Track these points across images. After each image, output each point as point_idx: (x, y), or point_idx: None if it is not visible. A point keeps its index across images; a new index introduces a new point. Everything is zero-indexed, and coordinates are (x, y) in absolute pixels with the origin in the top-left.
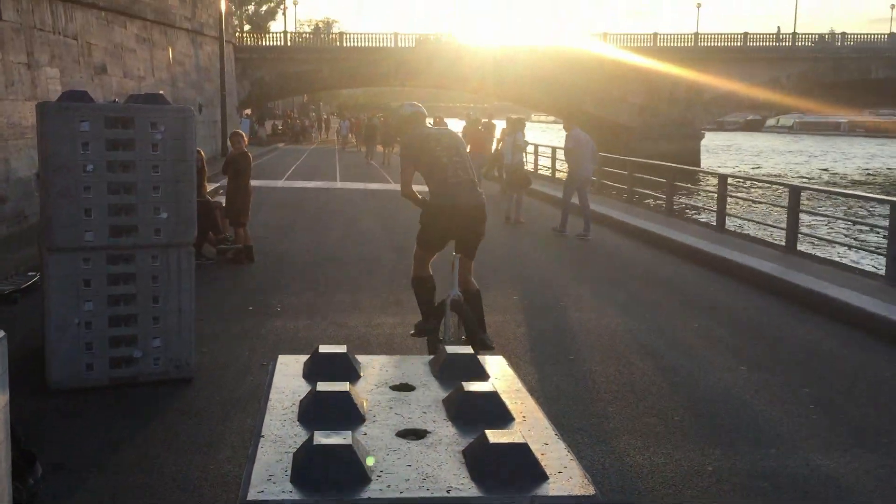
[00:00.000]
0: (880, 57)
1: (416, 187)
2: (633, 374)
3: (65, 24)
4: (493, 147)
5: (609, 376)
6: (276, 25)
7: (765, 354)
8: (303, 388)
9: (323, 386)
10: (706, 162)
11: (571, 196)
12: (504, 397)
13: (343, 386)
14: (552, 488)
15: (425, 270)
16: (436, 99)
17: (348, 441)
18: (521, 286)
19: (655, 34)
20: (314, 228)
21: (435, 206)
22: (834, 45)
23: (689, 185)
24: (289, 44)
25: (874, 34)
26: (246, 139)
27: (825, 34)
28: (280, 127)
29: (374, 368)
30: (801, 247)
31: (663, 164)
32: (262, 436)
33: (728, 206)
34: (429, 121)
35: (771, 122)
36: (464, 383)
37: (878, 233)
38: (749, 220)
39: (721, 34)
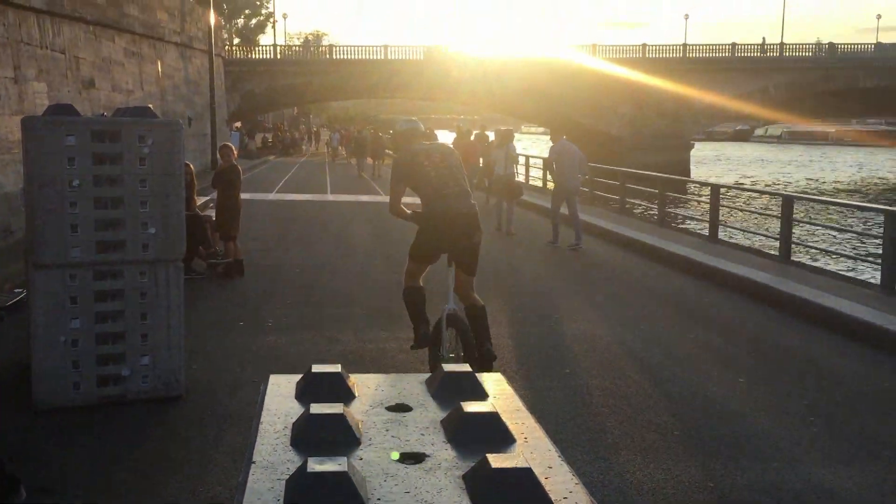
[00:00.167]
0: (867, 66)
1: (408, 199)
2: (630, 388)
3: (52, 39)
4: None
5: (606, 390)
6: (265, 39)
7: (763, 366)
8: (295, 409)
9: (316, 408)
10: (696, 172)
11: (560, 207)
12: (504, 417)
13: (337, 408)
14: None
15: (416, 282)
16: (426, 111)
17: (343, 468)
18: (515, 298)
19: (644, 45)
20: (305, 241)
21: (428, 215)
22: (821, 55)
23: (681, 195)
24: (278, 56)
25: (861, 44)
26: (236, 152)
27: (811, 44)
28: (270, 140)
29: (370, 388)
30: (794, 256)
31: (655, 174)
32: (254, 462)
33: (720, 216)
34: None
35: (759, 132)
36: (462, 403)
37: (868, 242)
38: (742, 230)
39: (709, 45)
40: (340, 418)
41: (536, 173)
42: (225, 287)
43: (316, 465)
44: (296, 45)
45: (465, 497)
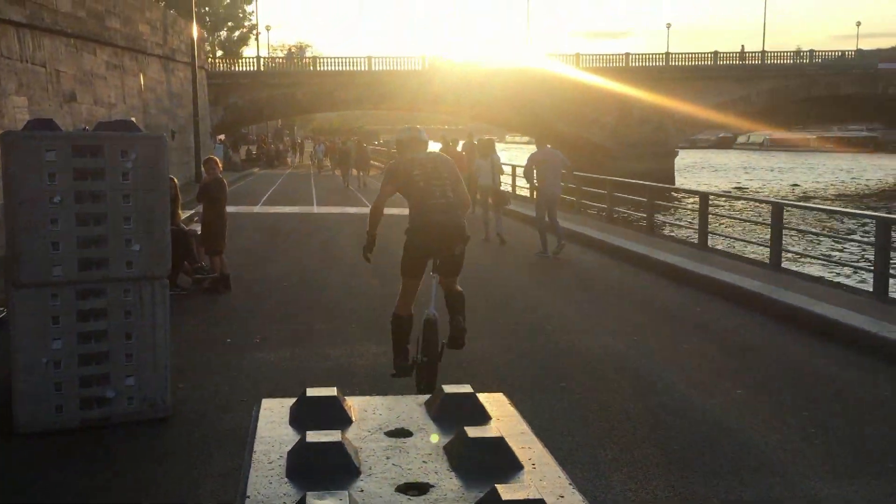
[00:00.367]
0: (848, 73)
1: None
2: (627, 401)
3: (32, 52)
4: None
5: (603, 403)
6: (248, 51)
7: (759, 376)
8: (290, 437)
9: (313, 436)
10: (680, 180)
11: (545, 216)
12: (510, 442)
13: (335, 435)
14: None
15: (407, 309)
16: (410, 121)
17: (344, 503)
18: (506, 311)
19: (627, 54)
20: (292, 255)
21: (412, 228)
22: (802, 62)
23: (669, 203)
24: (262, 69)
25: (841, 51)
26: (220, 165)
27: (790, 52)
28: (254, 152)
29: (366, 411)
30: (784, 263)
31: (643, 182)
32: (248, 496)
33: (709, 224)
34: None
35: (742, 139)
36: (466, 428)
37: (858, 248)
38: (731, 238)
39: (692, 53)
40: (338, 447)
41: (524, 182)
42: (211, 303)
43: (315, 501)
44: (279, 57)
45: None
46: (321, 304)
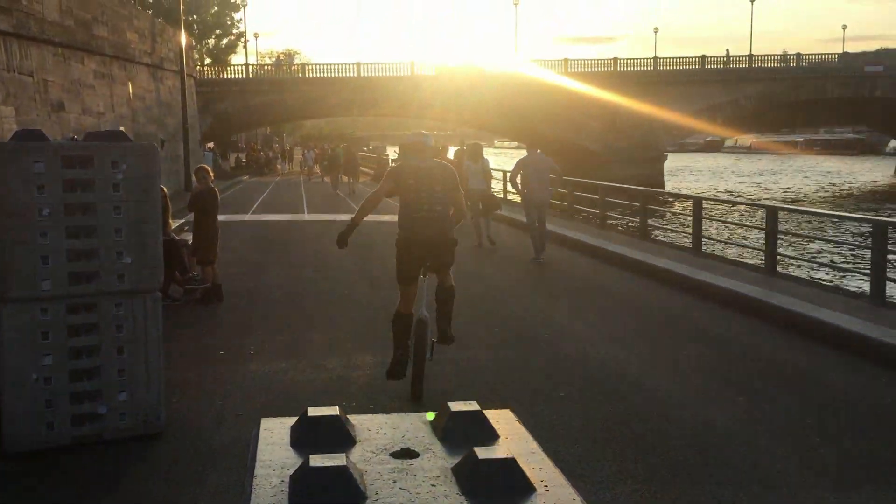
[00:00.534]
0: (834, 76)
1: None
2: (629, 410)
3: (20, 62)
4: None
5: (604, 413)
6: (237, 58)
7: (760, 383)
8: (292, 460)
9: (316, 459)
10: (670, 184)
11: (535, 220)
12: (521, 462)
13: (339, 459)
14: None
15: (408, 308)
16: (399, 127)
17: None
18: (502, 319)
19: (616, 59)
20: (284, 263)
21: (399, 238)
22: (790, 66)
23: (663, 208)
24: (251, 76)
25: (827, 54)
26: (212, 174)
27: (777, 56)
28: (244, 160)
29: (370, 431)
30: (779, 267)
31: (635, 187)
32: None
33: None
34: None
35: (730, 142)
36: (475, 449)
37: (854, 252)
38: (725, 242)
39: (680, 58)
40: (343, 471)
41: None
42: (203, 314)
43: None
44: (268, 65)
45: None
46: (315, 314)
